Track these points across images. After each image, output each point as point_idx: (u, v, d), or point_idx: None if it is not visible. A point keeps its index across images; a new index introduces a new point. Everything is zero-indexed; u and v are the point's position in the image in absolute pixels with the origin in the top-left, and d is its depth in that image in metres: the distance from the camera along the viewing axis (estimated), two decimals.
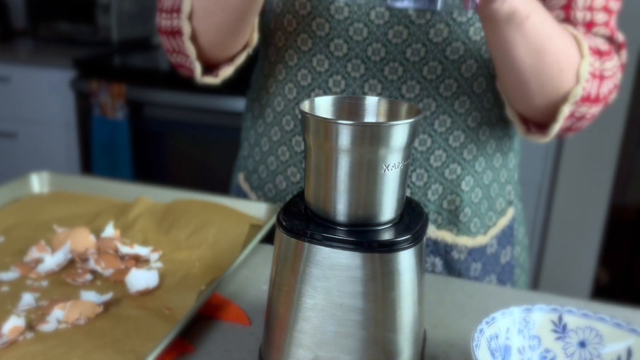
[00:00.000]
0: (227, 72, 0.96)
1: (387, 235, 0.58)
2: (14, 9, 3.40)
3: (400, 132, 0.56)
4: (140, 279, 0.79)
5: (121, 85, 2.54)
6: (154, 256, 0.88)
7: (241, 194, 1.10)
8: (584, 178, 2.49)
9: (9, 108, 2.89)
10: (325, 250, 0.57)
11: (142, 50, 3.05)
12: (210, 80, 0.95)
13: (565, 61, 0.83)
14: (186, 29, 0.88)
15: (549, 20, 0.80)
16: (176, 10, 0.89)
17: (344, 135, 0.55)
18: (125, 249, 0.87)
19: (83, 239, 0.88)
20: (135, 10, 3.07)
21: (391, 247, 0.57)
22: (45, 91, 2.81)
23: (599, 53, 0.87)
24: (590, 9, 0.90)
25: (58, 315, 0.72)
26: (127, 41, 3.03)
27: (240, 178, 1.11)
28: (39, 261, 0.84)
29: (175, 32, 0.90)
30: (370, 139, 0.55)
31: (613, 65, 0.89)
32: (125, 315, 0.74)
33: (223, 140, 2.52)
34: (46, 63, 2.75)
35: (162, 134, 2.64)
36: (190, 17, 0.88)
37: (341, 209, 0.58)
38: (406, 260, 0.58)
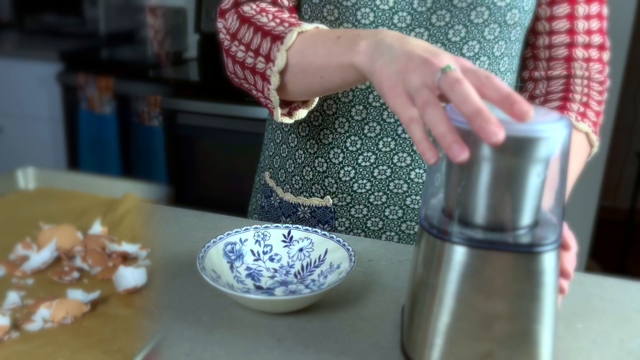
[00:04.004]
0: (302, 114, 0.94)
1: (532, 238, 0.59)
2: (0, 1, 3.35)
3: (550, 144, 0.57)
4: (129, 277, 0.78)
5: (109, 78, 2.52)
6: (143, 253, 0.87)
7: (267, 191, 1.13)
8: (575, 183, 2.50)
9: None
10: (469, 250, 0.59)
11: (130, 43, 3.01)
12: (286, 120, 0.93)
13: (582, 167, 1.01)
14: (275, 82, 0.86)
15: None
16: (265, 56, 0.87)
17: (500, 147, 0.54)
18: (113, 247, 0.87)
19: (69, 237, 0.88)
20: (123, 2, 3.04)
21: (541, 249, 0.59)
22: (31, 85, 2.77)
23: (597, 116, 1.01)
24: (588, 17, 1.00)
25: (44, 314, 0.71)
26: (114, 34, 3.00)
27: (266, 176, 1.14)
28: (25, 259, 0.84)
29: (259, 73, 0.88)
30: (520, 149, 0.56)
31: (603, 108, 1.03)
32: (112, 314, 0.73)
33: (223, 135, 2.56)
34: (32, 56, 2.72)
35: (149, 127, 2.63)
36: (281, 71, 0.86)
37: (486, 213, 0.59)
38: (552, 260, 0.60)
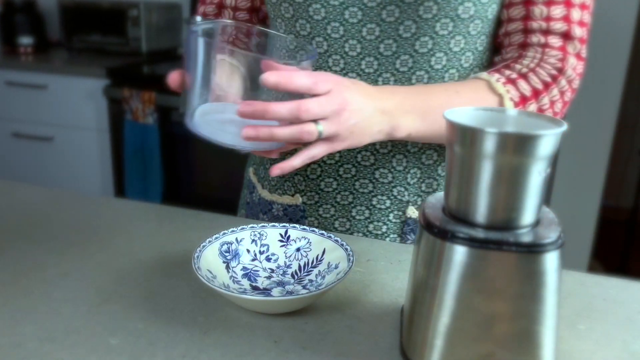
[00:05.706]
0: None
1: (534, 237, 0.55)
2: (50, 22, 3.37)
3: (550, 142, 0.53)
4: None
5: (151, 92, 2.51)
6: None
7: (251, 186, 1.06)
8: (577, 181, 2.44)
9: (46, 114, 2.86)
10: (470, 250, 0.54)
11: (169, 60, 3.02)
12: None
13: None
14: None
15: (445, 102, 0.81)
16: None
17: (501, 144, 0.52)
18: None
19: None
20: (163, 23, 3.03)
21: (543, 248, 0.54)
22: (80, 98, 2.77)
23: (534, 95, 0.85)
24: (549, 3, 0.86)
25: None
26: (155, 51, 3.01)
27: (251, 172, 1.08)
28: None
29: None
30: (522, 147, 0.52)
31: (553, 95, 0.86)
32: None
33: None
34: (80, 72, 2.72)
35: (188, 136, 2.58)
36: None
37: (486, 212, 0.55)
38: (554, 260, 0.55)
